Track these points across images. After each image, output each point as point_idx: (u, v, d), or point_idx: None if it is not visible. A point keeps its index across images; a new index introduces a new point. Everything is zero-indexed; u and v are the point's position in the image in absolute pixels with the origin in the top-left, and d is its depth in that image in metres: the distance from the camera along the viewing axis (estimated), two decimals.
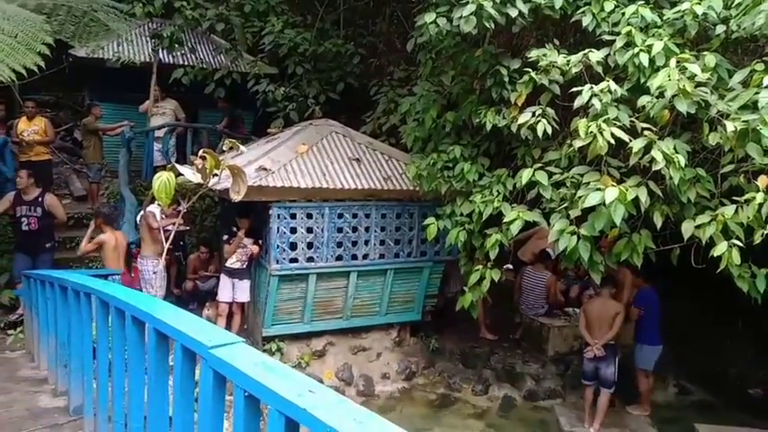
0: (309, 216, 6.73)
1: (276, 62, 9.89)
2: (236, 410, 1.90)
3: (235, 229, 6.85)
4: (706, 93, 4.74)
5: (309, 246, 6.77)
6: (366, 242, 7.09)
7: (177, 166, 5.05)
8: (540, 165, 5.59)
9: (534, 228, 7.29)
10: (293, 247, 6.70)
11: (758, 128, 4.32)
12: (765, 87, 4.37)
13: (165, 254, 5.16)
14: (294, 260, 6.71)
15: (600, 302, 6.55)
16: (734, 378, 7.60)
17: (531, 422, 6.92)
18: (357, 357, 7.36)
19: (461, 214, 6.32)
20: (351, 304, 7.16)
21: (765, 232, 4.29)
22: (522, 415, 7.05)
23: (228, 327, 6.86)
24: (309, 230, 6.75)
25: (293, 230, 6.67)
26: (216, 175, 5.15)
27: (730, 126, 4.40)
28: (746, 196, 4.44)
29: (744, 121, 4.39)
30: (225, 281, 6.98)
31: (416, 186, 6.94)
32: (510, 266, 9.35)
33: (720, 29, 5.07)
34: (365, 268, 7.10)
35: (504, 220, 5.72)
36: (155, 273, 6.65)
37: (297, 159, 6.85)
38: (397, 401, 7.16)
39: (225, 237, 7.05)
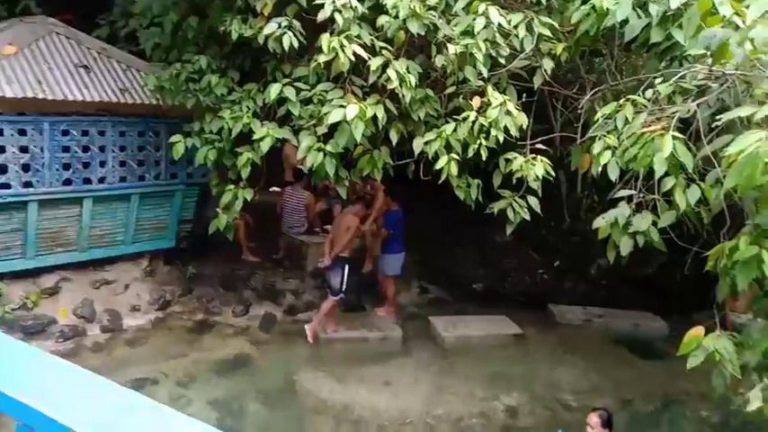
0: (22, 132, 5.65)
1: None
2: None
3: None
4: (435, 16, 5.08)
5: (26, 168, 5.72)
6: (102, 164, 6.27)
7: None
8: (289, 81, 5.48)
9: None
10: (3, 170, 5.59)
11: (474, 52, 4.79)
12: (481, 14, 4.83)
13: None
14: (6, 186, 5.62)
15: (340, 218, 6.92)
16: (462, 277, 8.90)
17: (292, 333, 7.20)
18: (100, 292, 6.67)
19: (211, 131, 5.97)
20: (87, 234, 6.36)
21: (476, 147, 4.89)
22: (283, 328, 7.27)
23: None
24: (24, 150, 5.68)
25: (1, 150, 5.54)
26: None
27: (452, 49, 4.80)
28: (463, 115, 4.99)
29: (463, 45, 4.82)
30: None
31: (160, 100, 6.29)
32: (277, 189, 9.37)
33: None
34: (103, 193, 6.32)
35: (254, 138, 5.55)
36: None
37: (1, 63, 5.60)
38: (149, 333, 6.76)
39: None
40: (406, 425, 5.74)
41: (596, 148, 4.28)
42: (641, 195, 4.16)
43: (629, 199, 4.33)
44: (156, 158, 6.69)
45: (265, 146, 5.47)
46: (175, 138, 5.96)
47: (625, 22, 4.38)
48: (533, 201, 5.14)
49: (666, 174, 3.71)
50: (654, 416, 6.07)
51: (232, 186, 5.89)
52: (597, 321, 7.77)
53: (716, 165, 3.75)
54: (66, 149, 5.94)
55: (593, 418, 4.55)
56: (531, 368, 6.72)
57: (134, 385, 5.87)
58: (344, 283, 6.67)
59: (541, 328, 7.68)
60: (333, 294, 6.76)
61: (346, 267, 6.68)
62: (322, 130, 5.25)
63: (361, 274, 7.70)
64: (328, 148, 5.20)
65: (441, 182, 5.09)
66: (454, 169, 4.97)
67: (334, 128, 5.12)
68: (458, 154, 5.02)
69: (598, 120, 4.41)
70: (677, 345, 3.74)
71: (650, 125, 3.79)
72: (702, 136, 3.73)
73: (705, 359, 3.58)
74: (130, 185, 6.52)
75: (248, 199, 5.88)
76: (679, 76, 4.08)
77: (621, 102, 4.26)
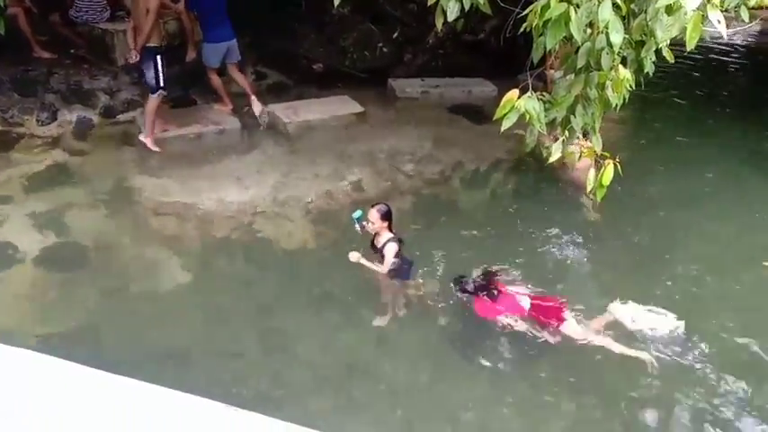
0: None
1: None
2: None
3: None
4: None
5: None
6: None
7: None
8: None
9: None
10: None
11: None
12: None
13: None
14: None
15: None
16: (301, 58, 8.36)
17: (115, 137, 6.51)
18: None
19: None
20: None
21: None
22: (103, 132, 6.52)
23: None
24: None
25: None
26: None
27: None
28: None
29: None
30: None
31: None
32: None
33: None
34: None
35: None
36: None
37: None
38: None
39: None
40: (256, 214, 5.76)
41: None
42: None
43: None
44: None
45: None
46: None
47: None
48: None
49: None
50: (483, 174, 6.69)
51: None
52: (434, 92, 7.96)
53: None
54: None
55: (373, 213, 4.48)
56: (372, 144, 6.88)
57: None
58: (161, 77, 5.89)
59: (382, 104, 7.73)
60: (151, 92, 6.01)
61: (158, 59, 5.83)
62: None
63: (184, 63, 6.88)
64: None
65: None
66: None
67: None
68: None
69: None
70: None
71: None
72: None
73: (518, 120, 3.80)
74: None
75: None
76: None
77: None
